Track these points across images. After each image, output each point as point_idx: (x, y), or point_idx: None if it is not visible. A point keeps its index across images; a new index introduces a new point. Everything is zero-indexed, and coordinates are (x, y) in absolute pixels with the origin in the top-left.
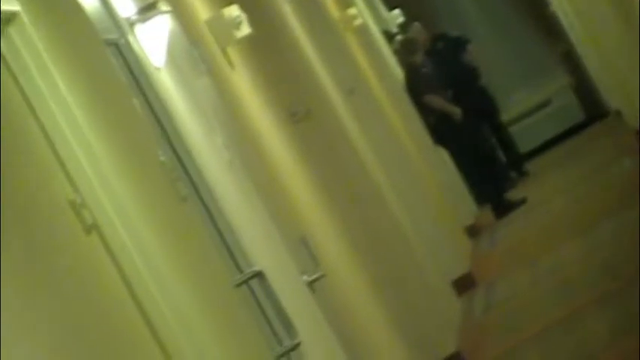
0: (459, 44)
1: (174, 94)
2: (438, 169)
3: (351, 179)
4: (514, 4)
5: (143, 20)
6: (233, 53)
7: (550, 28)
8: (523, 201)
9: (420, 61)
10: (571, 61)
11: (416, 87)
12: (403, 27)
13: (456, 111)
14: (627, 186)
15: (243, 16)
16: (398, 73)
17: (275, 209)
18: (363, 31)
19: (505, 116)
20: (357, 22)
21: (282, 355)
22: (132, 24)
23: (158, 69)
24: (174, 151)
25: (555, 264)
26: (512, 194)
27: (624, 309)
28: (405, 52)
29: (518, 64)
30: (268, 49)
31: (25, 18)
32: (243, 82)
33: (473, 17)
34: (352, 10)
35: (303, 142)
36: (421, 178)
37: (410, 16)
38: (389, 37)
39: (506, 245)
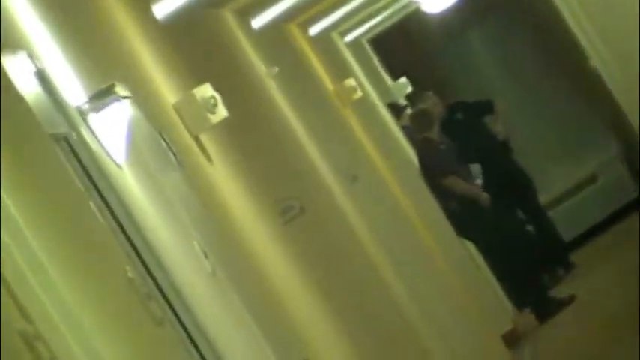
0: (482, 111)
1: (139, 195)
2: (463, 266)
3: (358, 286)
4: (545, 62)
5: (97, 109)
6: (208, 141)
7: (590, 88)
8: (570, 299)
9: (436, 136)
10: (618, 126)
11: (433, 168)
12: (412, 98)
13: (483, 195)
14: None
15: (218, 97)
16: (409, 153)
17: (270, 327)
18: (364, 106)
19: (543, 198)
20: (357, 94)
21: None
22: (84, 114)
23: (119, 166)
24: (145, 264)
25: None
26: (557, 292)
27: None
28: (417, 127)
29: (555, 133)
30: (250, 134)
31: None
32: (222, 175)
33: (496, 81)
34: (350, 82)
35: (298, 245)
36: (443, 277)
37: (419, 85)
38: (396, 110)
39: (551, 354)
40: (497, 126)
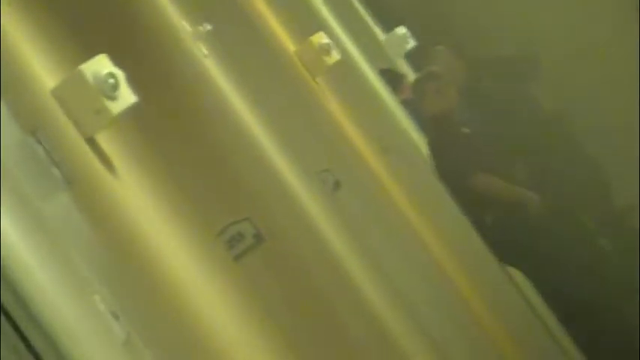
0: (524, 73)
1: (12, 236)
2: (511, 310)
3: (346, 345)
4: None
5: None
6: (110, 142)
7: None
8: None
9: (454, 112)
10: None
11: (453, 163)
12: (416, 56)
13: (533, 197)
14: None
15: (121, 75)
16: (415, 141)
17: None
18: (344, 74)
19: (623, 199)
20: (333, 58)
21: None
22: None
23: None
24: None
25: None
26: None
27: None
28: (425, 100)
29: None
30: (174, 127)
31: None
32: (133, 193)
33: (543, 22)
34: (322, 38)
35: (256, 290)
36: (477, 327)
37: (427, 37)
38: (393, 79)
39: None
40: (546, 93)
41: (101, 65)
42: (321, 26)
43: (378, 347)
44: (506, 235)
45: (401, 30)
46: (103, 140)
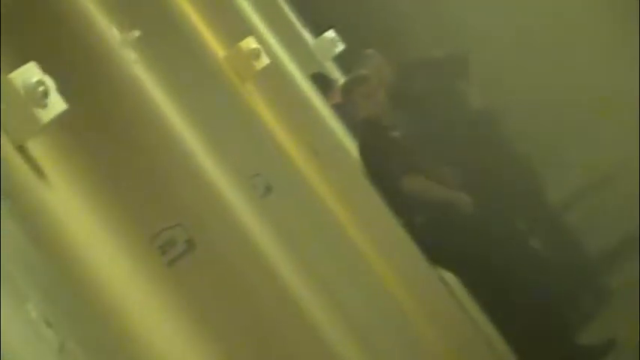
0: (452, 70)
1: None
2: (441, 310)
3: (279, 347)
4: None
5: None
6: (40, 150)
7: None
8: (609, 345)
9: (384, 115)
10: None
11: (383, 165)
12: (345, 60)
13: (463, 198)
14: None
15: (51, 82)
16: (346, 144)
17: None
18: (274, 78)
19: (554, 196)
20: (262, 62)
21: None
22: None
23: None
24: None
25: None
26: (588, 336)
27: None
28: (355, 104)
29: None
30: (105, 134)
31: None
32: (66, 202)
33: (482, 27)
34: (250, 42)
35: (190, 295)
36: (410, 328)
37: (356, 41)
38: (323, 83)
39: None
40: (475, 93)
41: (30, 73)
42: (250, 31)
43: (309, 348)
44: (438, 236)
45: (330, 34)
46: (33, 148)
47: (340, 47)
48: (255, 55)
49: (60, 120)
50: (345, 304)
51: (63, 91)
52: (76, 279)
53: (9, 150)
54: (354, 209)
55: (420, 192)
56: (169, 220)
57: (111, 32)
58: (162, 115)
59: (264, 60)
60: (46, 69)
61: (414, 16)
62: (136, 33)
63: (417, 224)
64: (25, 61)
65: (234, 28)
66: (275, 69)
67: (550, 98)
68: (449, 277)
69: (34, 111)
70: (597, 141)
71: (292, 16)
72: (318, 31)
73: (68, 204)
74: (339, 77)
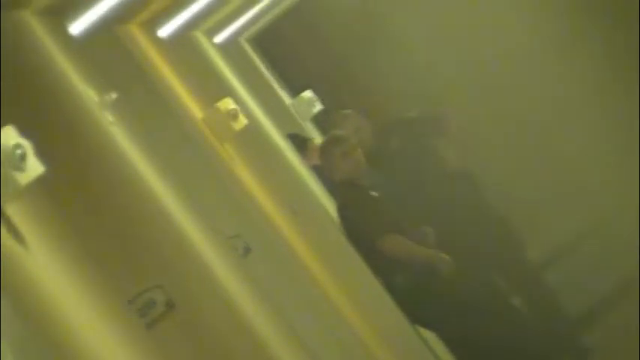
0: (429, 129)
1: None
2: None
3: None
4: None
5: None
6: (19, 214)
7: None
8: None
9: (362, 175)
10: None
11: (362, 226)
12: (323, 120)
13: (442, 258)
14: None
15: (28, 145)
16: (325, 205)
17: None
18: (252, 139)
19: (535, 253)
20: (240, 123)
21: None
22: None
23: None
24: None
25: None
26: None
27: None
28: (333, 165)
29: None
30: (82, 197)
31: None
32: (43, 266)
33: (454, 86)
34: (228, 103)
35: (168, 357)
36: None
37: (333, 101)
38: (299, 143)
39: None
40: (451, 152)
41: (8, 137)
42: (228, 92)
43: None
44: (418, 296)
45: (307, 94)
46: (12, 211)
47: (318, 107)
48: (233, 115)
49: (38, 183)
50: None
51: (41, 154)
52: (55, 342)
53: None
54: (333, 269)
55: (400, 252)
56: (148, 282)
57: (88, 95)
58: (140, 176)
59: (243, 120)
60: (24, 132)
61: (390, 76)
62: (114, 95)
63: (397, 284)
64: (2, 125)
65: (212, 89)
66: (253, 129)
67: (528, 155)
68: (430, 336)
69: (13, 174)
70: (576, 200)
71: (269, 77)
72: (295, 91)
73: (46, 267)
74: (317, 137)
